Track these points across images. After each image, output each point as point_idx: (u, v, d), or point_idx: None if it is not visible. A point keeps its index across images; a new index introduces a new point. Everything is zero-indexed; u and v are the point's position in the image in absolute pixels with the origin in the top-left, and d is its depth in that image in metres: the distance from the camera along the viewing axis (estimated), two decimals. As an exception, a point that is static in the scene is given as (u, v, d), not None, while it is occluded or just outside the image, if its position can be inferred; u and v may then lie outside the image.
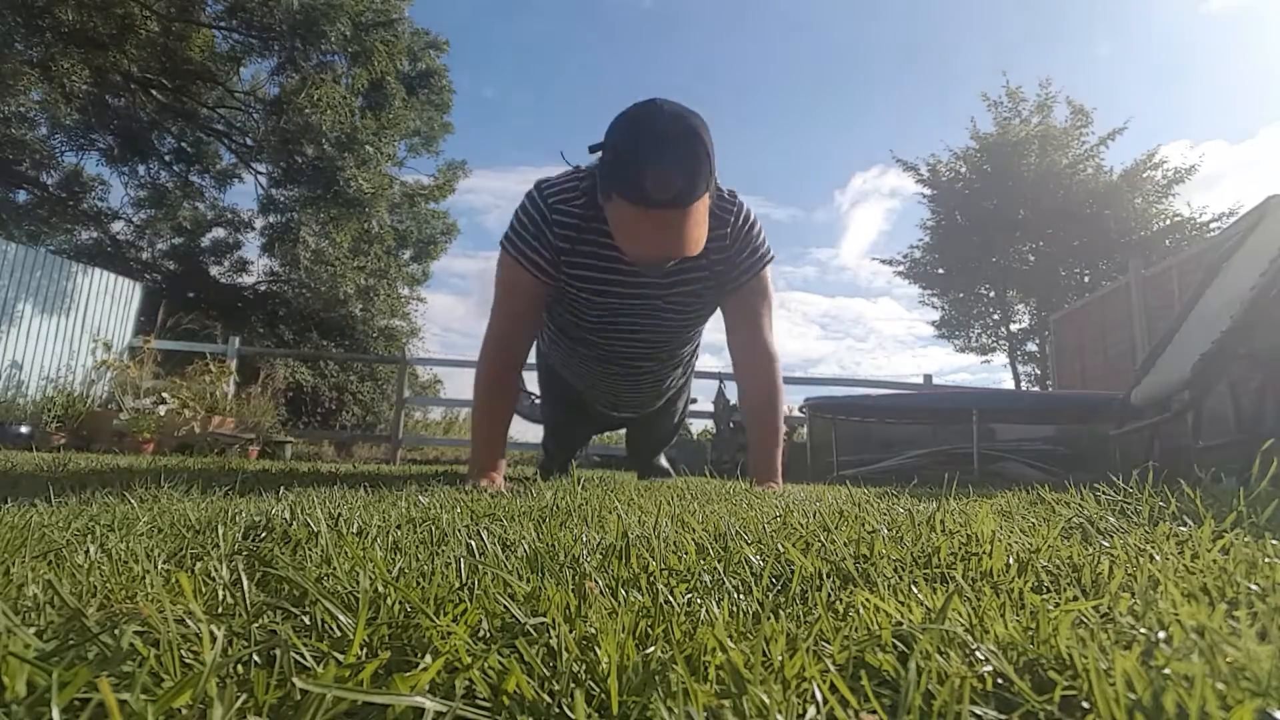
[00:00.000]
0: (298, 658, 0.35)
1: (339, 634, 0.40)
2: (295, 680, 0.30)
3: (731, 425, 5.36)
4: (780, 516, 0.87)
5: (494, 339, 1.69)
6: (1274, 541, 0.62)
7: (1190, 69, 27.30)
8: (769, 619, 0.40)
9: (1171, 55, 26.90)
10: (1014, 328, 15.07)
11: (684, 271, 1.65)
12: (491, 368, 1.67)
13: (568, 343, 1.93)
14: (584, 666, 0.35)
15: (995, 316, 15.33)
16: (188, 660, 0.35)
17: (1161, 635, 0.38)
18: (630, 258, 1.53)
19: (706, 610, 0.44)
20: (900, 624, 0.41)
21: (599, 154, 1.45)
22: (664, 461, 2.72)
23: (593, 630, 0.39)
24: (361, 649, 0.37)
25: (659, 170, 1.32)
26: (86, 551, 0.59)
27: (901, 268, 15.23)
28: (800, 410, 5.20)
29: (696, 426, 7.01)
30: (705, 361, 9.92)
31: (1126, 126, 13.45)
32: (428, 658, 0.36)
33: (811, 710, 0.31)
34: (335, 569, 0.51)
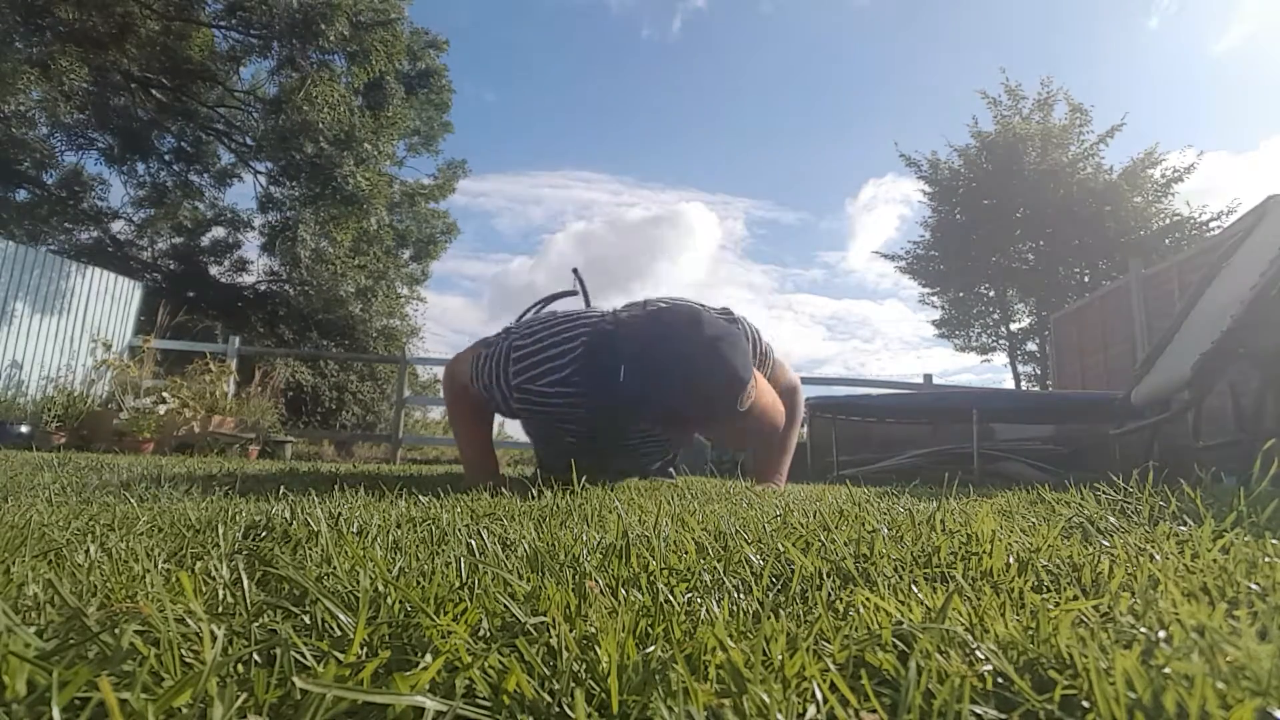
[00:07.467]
0: (298, 657, 0.35)
1: (339, 633, 0.40)
2: (295, 679, 0.30)
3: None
4: (780, 516, 0.87)
5: (454, 387, 1.64)
6: (1274, 541, 0.62)
7: (1194, 87, 27.58)
8: (769, 618, 0.40)
9: (1177, 86, 27.22)
10: (1014, 327, 15.06)
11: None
12: (456, 396, 1.65)
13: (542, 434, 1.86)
14: (584, 666, 0.35)
15: (995, 316, 15.32)
16: (188, 659, 0.35)
17: (1161, 635, 0.38)
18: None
19: (706, 609, 0.44)
20: (900, 623, 0.41)
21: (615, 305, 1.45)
22: None
23: (593, 629, 0.39)
24: (362, 648, 0.37)
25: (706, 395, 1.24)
26: (86, 551, 0.59)
27: (903, 263, 15.23)
28: (800, 410, 5.18)
29: (696, 426, 6.97)
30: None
31: (1125, 123, 13.45)
32: (428, 657, 0.36)
33: (811, 709, 0.31)
34: (335, 568, 0.51)
